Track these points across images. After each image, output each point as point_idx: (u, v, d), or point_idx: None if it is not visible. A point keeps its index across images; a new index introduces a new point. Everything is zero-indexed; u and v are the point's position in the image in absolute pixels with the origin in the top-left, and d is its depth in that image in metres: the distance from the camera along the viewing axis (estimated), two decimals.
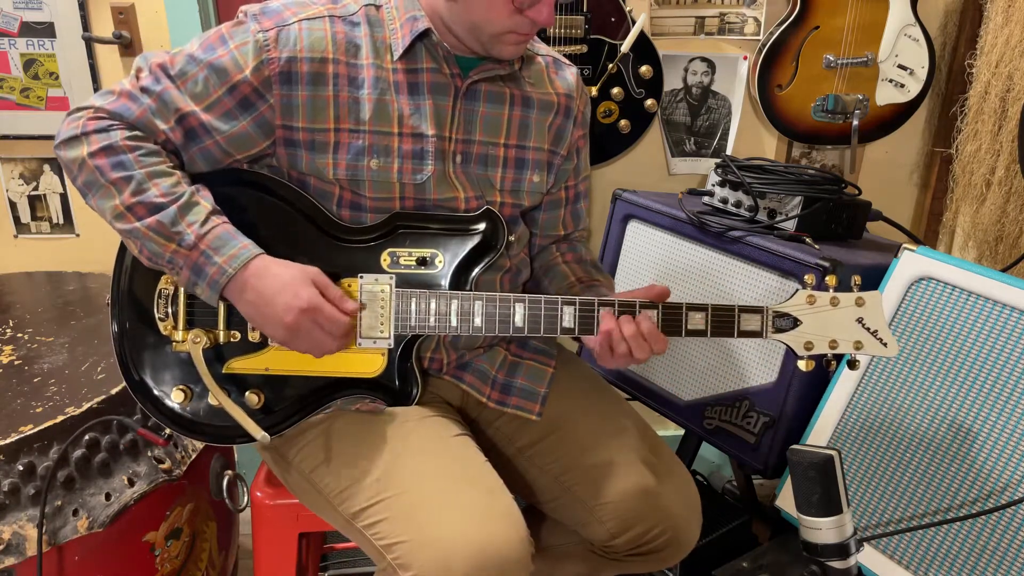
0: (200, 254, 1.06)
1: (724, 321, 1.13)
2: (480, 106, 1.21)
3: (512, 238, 1.24)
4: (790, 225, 1.55)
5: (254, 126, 1.13)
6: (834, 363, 1.14)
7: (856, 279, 1.11)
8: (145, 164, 1.06)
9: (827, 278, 1.12)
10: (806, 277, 1.13)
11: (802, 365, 1.13)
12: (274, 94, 1.11)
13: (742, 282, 1.56)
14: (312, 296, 1.07)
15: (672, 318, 1.13)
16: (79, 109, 1.10)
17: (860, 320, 1.11)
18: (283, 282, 1.06)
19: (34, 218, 1.98)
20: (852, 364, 1.13)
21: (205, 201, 1.08)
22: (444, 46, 1.16)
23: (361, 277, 1.15)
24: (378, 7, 1.17)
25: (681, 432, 1.86)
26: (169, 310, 1.15)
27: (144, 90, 1.10)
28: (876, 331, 1.11)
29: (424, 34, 1.15)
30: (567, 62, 1.34)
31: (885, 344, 1.11)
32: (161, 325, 1.16)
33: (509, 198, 1.26)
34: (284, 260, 1.09)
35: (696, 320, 1.13)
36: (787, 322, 1.12)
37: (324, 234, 1.17)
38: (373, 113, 1.14)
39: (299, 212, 1.17)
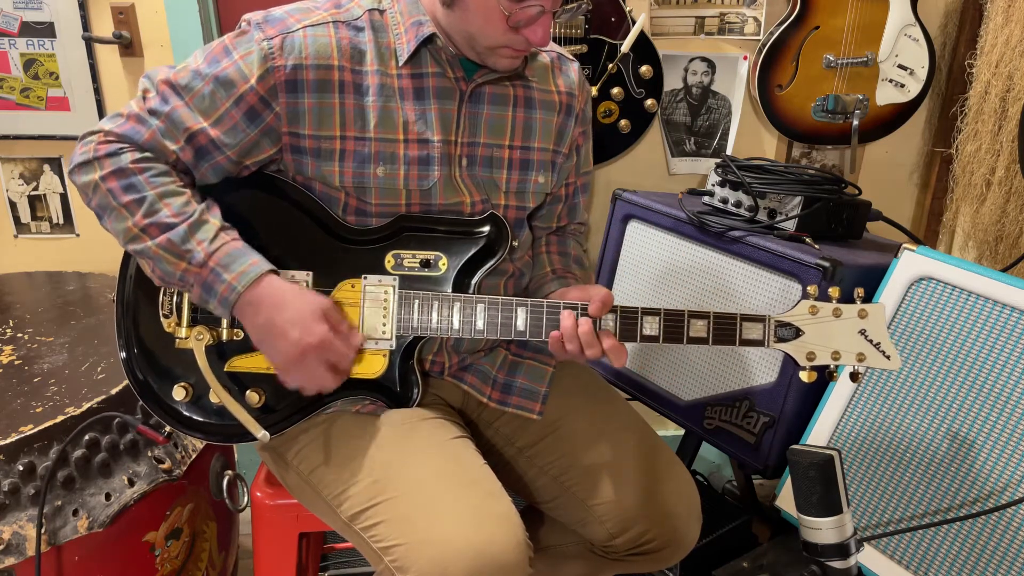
0: (210, 272, 1.06)
1: (726, 329, 1.13)
2: (484, 108, 1.21)
3: (515, 243, 1.24)
4: (790, 225, 1.55)
5: (262, 135, 1.13)
6: (836, 374, 1.13)
7: (859, 291, 1.11)
8: (156, 185, 1.07)
9: (830, 289, 1.12)
10: (809, 288, 1.13)
11: (804, 376, 1.12)
12: (280, 102, 1.11)
13: (742, 282, 1.56)
14: (324, 334, 1.08)
15: (674, 325, 1.13)
16: (90, 134, 1.10)
17: (863, 332, 1.10)
18: (296, 315, 1.07)
19: (34, 218, 1.98)
20: (854, 376, 1.12)
21: (214, 219, 1.09)
22: (448, 50, 1.16)
23: (364, 278, 1.15)
24: (382, 12, 1.17)
25: (681, 432, 1.86)
26: (173, 307, 1.16)
27: (152, 112, 1.10)
28: (879, 343, 1.10)
29: (429, 39, 1.15)
30: (570, 57, 1.34)
31: (888, 357, 1.10)
32: (165, 322, 1.16)
33: (514, 200, 1.26)
34: (295, 286, 1.10)
35: (698, 328, 1.13)
36: (789, 332, 1.12)
37: (329, 235, 1.17)
38: (378, 120, 1.14)
39: (304, 213, 1.17)
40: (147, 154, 1.09)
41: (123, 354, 1.17)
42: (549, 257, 1.38)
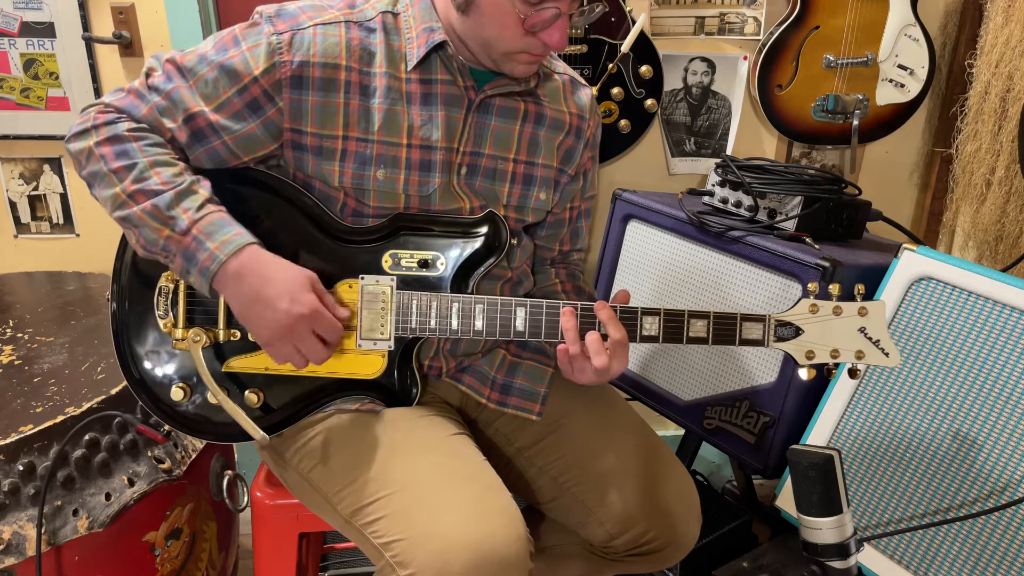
0: (192, 239, 1.04)
1: (726, 329, 1.13)
2: (492, 120, 1.21)
3: (514, 240, 1.24)
4: (790, 225, 1.55)
5: (262, 128, 1.13)
6: (834, 371, 1.14)
7: (860, 288, 1.11)
8: (149, 153, 1.07)
9: (831, 287, 1.12)
10: (809, 285, 1.12)
11: (803, 374, 1.12)
12: (284, 97, 1.11)
13: (742, 282, 1.56)
14: (313, 302, 1.06)
15: (674, 325, 1.13)
16: (90, 106, 1.11)
17: (862, 329, 1.10)
18: (284, 286, 1.05)
19: (34, 218, 1.98)
20: (852, 373, 1.12)
21: (203, 190, 1.08)
22: (459, 59, 1.16)
23: (362, 278, 1.15)
24: (396, 15, 1.17)
25: (681, 432, 1.86)
26: (169, 308, 1.15)
27: (153, 88, 1.10)
28: (878, 341, 1.10)
29: (440, 46, 1.15)
30: (583, 82, 1.35)
31: (887, 354, 1.11)
32: (161, 323, 1.16)
33: (513, 213, 1.26)
34: (280, 258, 1.08)
35: (698, 328, 1.13)
36: (789, 331, 1.12)
37: (326, 234, 1.16)
38: (382, 123, 1.14)
39: (301, 212, 1.16)
40: (143, 125, 1.09)
41: (118, 354, 1.16)
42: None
